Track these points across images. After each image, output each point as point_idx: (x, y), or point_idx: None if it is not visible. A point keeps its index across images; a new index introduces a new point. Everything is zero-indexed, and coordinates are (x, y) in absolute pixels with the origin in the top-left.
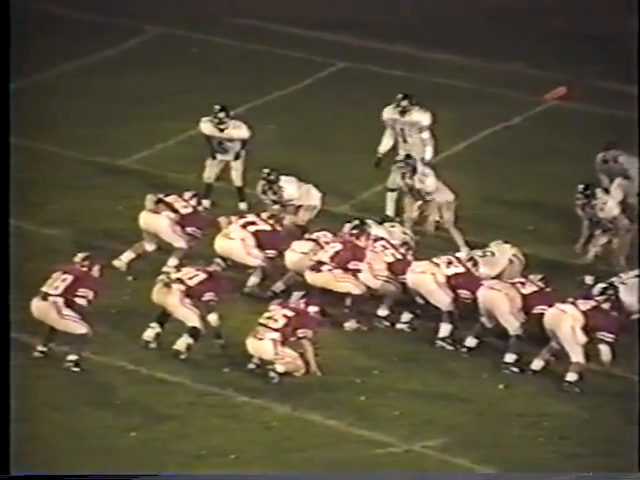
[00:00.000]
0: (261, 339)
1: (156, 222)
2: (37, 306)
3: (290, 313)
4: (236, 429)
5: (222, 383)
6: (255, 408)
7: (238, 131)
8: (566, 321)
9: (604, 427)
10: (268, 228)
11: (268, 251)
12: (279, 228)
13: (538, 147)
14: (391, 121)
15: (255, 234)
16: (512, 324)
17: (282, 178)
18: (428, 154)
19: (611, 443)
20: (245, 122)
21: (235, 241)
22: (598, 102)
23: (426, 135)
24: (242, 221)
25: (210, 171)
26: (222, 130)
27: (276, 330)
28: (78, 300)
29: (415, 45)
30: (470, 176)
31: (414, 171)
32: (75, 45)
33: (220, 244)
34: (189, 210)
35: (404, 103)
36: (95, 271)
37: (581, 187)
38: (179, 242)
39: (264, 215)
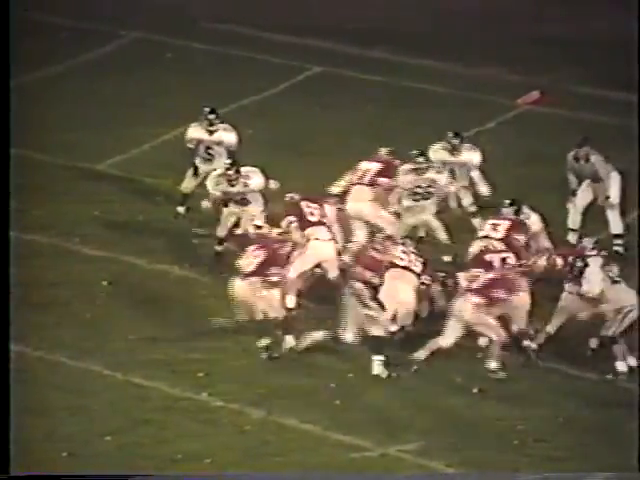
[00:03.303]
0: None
1: None
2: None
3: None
4: (211, 433)
5: (197, 388)
6: (230, 412)
7: (228, 135)
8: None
9: (580, 430)
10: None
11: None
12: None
13: (512, 151)
14: (439, 162)
15: None
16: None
17: (244, 169)
18: (485, 190)
19: (587, 446)
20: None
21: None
22: (573, 107)
23: (476, 173)
24: None
25: (189, 182)
26: (211, 133)
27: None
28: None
29: (391, 50)
30: None
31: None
32: (52, 50)
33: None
34: None
35: (455, 141)
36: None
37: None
38: None
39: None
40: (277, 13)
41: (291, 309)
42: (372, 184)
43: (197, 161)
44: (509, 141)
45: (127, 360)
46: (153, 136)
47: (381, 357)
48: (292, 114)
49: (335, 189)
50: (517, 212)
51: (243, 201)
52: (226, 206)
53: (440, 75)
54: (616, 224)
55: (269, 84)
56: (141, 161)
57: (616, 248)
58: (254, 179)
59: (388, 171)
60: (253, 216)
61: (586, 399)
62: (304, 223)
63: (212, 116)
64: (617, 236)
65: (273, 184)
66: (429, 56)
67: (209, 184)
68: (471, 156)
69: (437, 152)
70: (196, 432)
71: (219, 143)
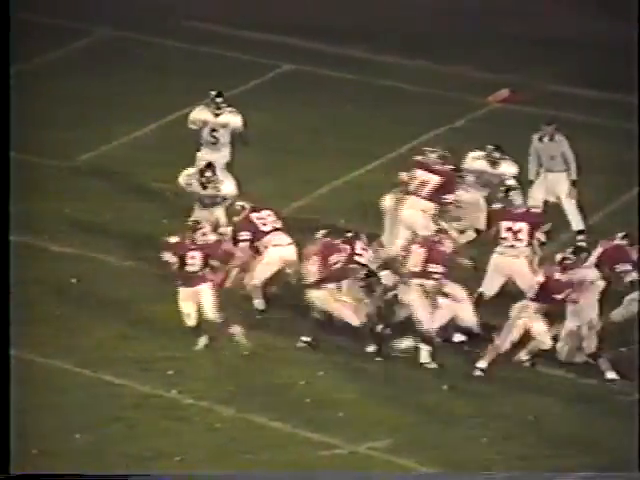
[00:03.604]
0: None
1: None
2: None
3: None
4: (181, 431)
5: (167, 385)
6: (200, 410)
7: (234, 117)
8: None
9: (552, 428)
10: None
11: None
12: None
13: (482, 149)
14: (477, 173)
15: None
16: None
17: (219, 172)
18: (518, 200)
19: (559, 444)
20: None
21: None
22: (543, 104)
23: (513, 182)
24: None
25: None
26: (217, 115)
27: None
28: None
29: (361, 47)
30: None
31: None
32: (23, 47)
33: None
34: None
35: (496, 154)
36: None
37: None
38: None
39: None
40: (249, 11)
41: (262, 311)
42: (431, 199)
43: (201, 152)
44: (479, 138)
45: (97, 358)
46: (124, 133)
47: (429, 347)
48: (262, 111)
49: (388, 201)
50: None
51: (210, 204)
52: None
53: (411, 73)
54: (577, 221)
55: (240, 81)
56: (113, 158)
57: (579, 244)
58: (226, 184)
59: (449, 186)
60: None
61: (557, 397)
62: (259, 234)
63: (219, 99)
64: (580, 232)
65: (240, 204)
66: (400, 54)
67: (181, 180)
68: (509, 169)
69: (476, 161)
70: (166, 430)
71: (224, 125)
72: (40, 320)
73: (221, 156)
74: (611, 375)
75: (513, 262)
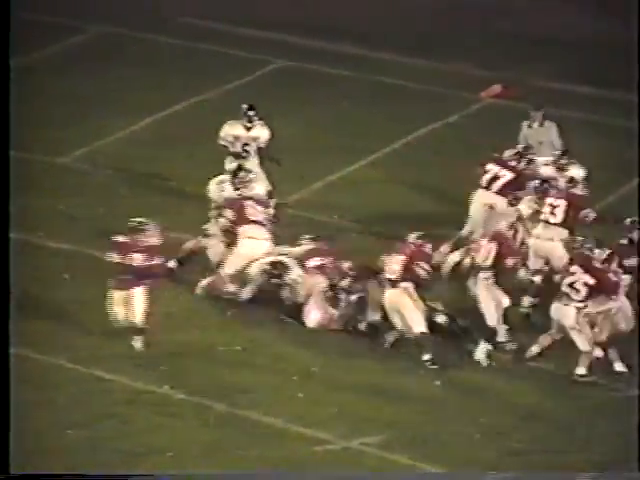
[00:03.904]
0: None
1: None
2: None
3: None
4: (174, 427)
5: (160, 381)
6: (193, 406)
7: (263, 131)
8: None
9: (545, 424)
10: None
11: None
12: None
13: (475, 144)
14: (547, 179)
15: None
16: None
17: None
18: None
19: (553, 441)
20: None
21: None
22: (536, 100)
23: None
24: None
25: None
26: (249, 129)
27: None
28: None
29: (355, 44)
30: (409, 173)
31: None
32: (19, 44)
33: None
34: None
35: (563, 161)
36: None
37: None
38: None
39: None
40: (244, 7)
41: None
42: (502, 194)
43: (228, 160)
44: (472, 133)
45: (90, 353)
46: (117, 129)
47: (489, 346)
48: (257, 108)
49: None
50: None
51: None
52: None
53: (406, 70)
54: None
55: (234, 77)
56: (105, 154)
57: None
58: (259, 186)
59: (520, 182)
60: None
61: (549, 393)
62: (242, 220)
63: (251, 112)
64: None
65: (272, 202)
66: (395, 50)
67: (212, 188)
68: (577, 172)
69: (544, 167)
70: (158, 425)
71: (255, 139)
72: (34, 316)
73: (251, 165)
74: (619, 367)
75: (549, 244)
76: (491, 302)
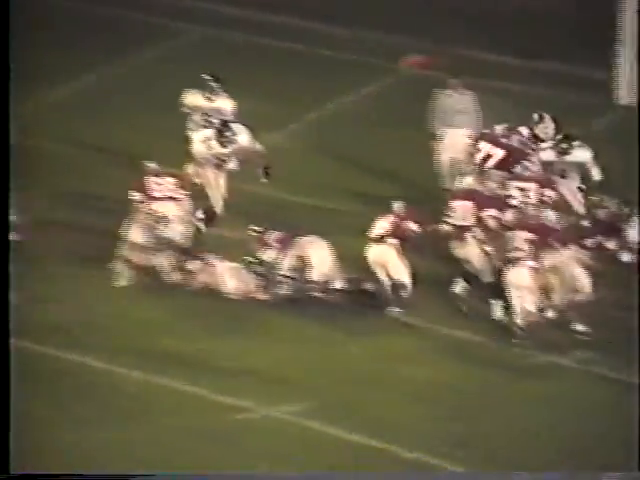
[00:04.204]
0: None
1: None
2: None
3: None
4: (90, 396)
5: (79, 348)
6: (110, 374)
7: (226, 102)
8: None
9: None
10: None
11: None
12: None
13: (395, 113)
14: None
15: None
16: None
17: (232, 125)
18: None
19: (469, 408)
20: None
21: None
22: (458, 70)
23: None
24: None
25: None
26: (211, 100)
27: None
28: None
29: (274, 12)
30: (327, 142)
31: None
32: None
33: None
34: None
35: (564, 145)
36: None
37: None
38: None
39: None
40: None
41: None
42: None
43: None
44: (392, 103)
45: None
46: None
47: (501, 302)
48: (172, 78)
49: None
50: None
51: (222, 163)
52: None
53: (324, 37)
54: None
55: (149, 46)
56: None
57: None
58: (241, 136)
59: (512, 159)
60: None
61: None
62: (149, 199)
63: (215, 84)
64: None
65: (259, 146)
66: (312, 18)
67: (198, 146)
68: (583, 154)
69: (545, 152)
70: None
71: (218, 110)
72: None
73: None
74: (580, 327)
75: None
76: (482, 258)
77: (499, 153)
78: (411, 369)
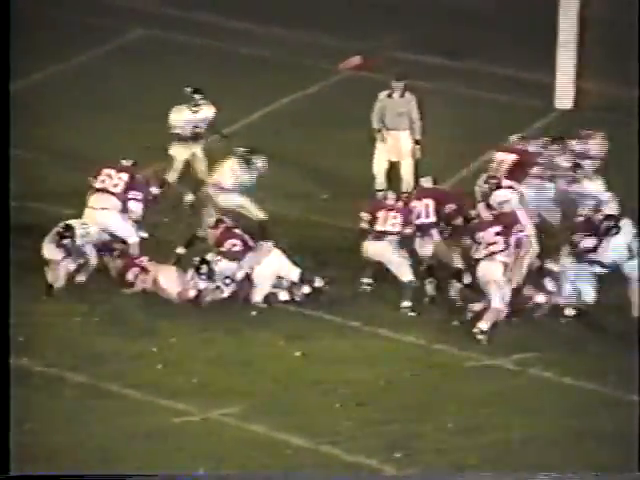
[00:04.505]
0: None
1: None
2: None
3: None
4: (29, 398)
5: (17, 352)
6: (49, 377)
7: (210, 109)
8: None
9: (402, 392)
10: None
11: None
12: None
13: (334, 115)
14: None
15: None
16: None
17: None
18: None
19: (409, 409)
20: None
21: None
22: (399, 74)
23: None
24: None
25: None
26: (196, 112)
27: None
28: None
29: (214, 13)
30: (267, 144)
31: None
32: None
33: None
34: None
35: (579, 174)
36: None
37: None
38: None
39: None
40: None
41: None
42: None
43: (175, 147)
44: (331, 105)
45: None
46: None
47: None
48: (114, 78)
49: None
50: None
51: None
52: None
53: (265, 40)
54: (408, 182)
55: (92, 46)
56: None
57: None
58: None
59: (525, 163)
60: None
61: (411, 361)
62: (91, 191)
63: (198, 96)
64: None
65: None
66: (251, 20)
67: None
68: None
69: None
70: (16, 397)
71: (204, 120)
72: None
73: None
74: (540, 299)
75: None
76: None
77: (510, 157)
78: (350, 371)
